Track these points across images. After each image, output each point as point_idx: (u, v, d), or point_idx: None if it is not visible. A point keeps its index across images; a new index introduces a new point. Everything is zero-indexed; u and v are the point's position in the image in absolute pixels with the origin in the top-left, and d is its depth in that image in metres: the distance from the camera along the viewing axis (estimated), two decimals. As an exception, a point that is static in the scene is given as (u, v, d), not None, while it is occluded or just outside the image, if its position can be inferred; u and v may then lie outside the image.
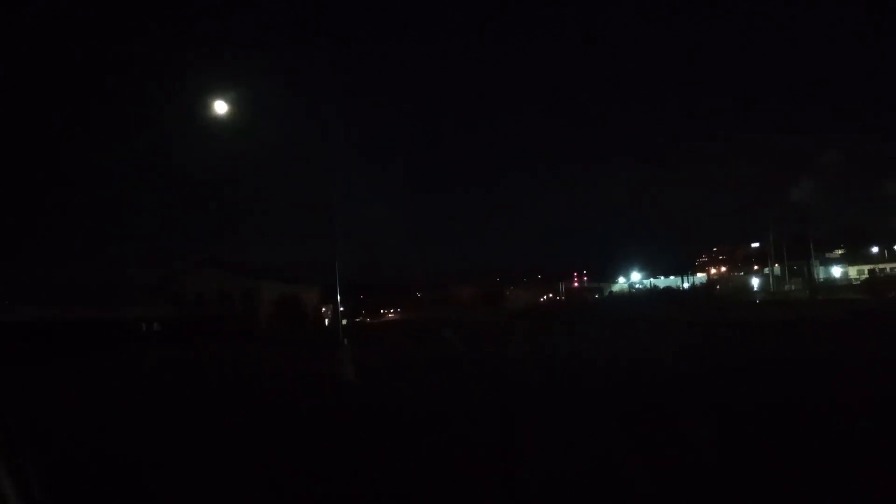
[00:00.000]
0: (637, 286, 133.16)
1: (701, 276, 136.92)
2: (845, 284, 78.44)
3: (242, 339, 49.48)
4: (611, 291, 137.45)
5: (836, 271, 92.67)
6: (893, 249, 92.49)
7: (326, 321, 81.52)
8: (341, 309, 22.41)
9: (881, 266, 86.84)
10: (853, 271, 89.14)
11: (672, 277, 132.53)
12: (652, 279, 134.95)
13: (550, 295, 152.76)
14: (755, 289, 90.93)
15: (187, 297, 71.43)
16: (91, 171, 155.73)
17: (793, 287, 79.98)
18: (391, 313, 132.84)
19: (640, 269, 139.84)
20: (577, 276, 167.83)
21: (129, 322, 54.47)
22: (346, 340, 18.62)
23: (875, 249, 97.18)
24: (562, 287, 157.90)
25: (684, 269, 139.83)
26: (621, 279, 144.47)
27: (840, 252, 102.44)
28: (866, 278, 75.01)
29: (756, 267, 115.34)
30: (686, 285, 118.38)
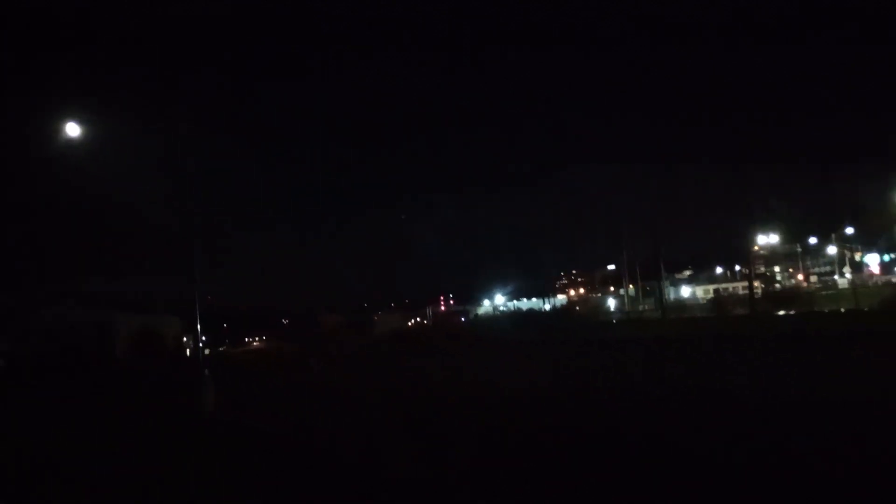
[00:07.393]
0: (501, 308, 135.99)
1: (561, 298, 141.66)
2: (693, 303, 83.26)
3: (96, 374, 46.92)
4: (476, 314, 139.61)
5: (686, 291, 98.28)
6: (735, 270, 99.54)
7: (188, 351, 78.77)
8: (203, 338, 21.88)
9: (724, 286, 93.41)
10: (700, 291, 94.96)
11: (534, 299, 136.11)
12: (515, 301, 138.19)
13: (418, 319, 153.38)
14: (612, 309, 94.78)
15: (35, 332, 67.28)
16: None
17: (645, 307, 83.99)
18: (255, 342, 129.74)
19: (503, 292, 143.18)
20: (443, 300, 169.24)
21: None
22: (207, 371, 18.19)
23: (719, 270, 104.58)
24: (429, 311, 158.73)
25: (544, 291, 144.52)
26: (486, 302, 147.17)
27: (688, 273, 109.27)
28: (711, 297, 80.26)
29: (612, 288, 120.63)
30: (547, 307, 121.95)
